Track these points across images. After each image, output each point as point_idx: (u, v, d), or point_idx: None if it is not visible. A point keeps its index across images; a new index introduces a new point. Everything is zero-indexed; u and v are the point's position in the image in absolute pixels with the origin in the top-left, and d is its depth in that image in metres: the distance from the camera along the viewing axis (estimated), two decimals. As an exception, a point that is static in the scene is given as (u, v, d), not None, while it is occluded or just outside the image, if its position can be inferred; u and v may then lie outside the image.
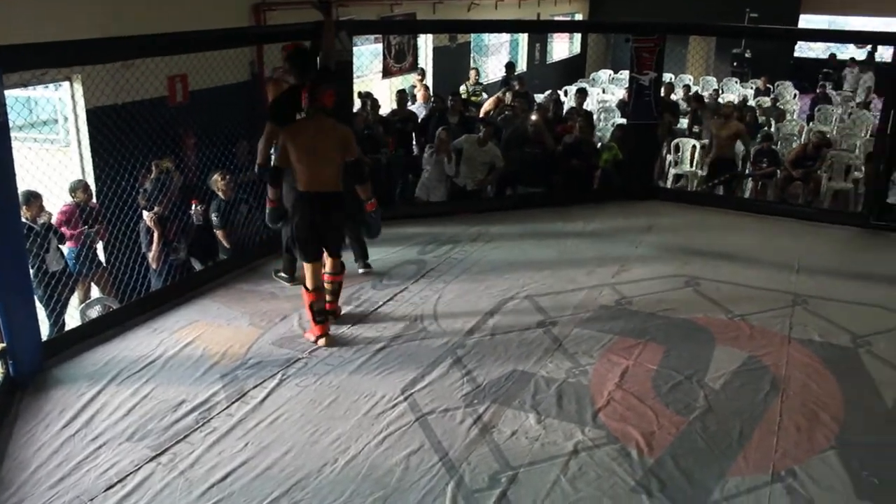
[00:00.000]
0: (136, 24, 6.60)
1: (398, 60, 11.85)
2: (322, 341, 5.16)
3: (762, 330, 5.48)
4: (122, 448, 4.03)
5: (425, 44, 13.68)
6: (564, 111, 11.02)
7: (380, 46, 11.80)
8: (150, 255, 6.14)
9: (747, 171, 10.30)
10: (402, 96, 10.18)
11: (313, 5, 5.89)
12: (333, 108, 5.18)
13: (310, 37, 6.72)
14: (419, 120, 9.91)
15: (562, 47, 20.36)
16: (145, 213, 6.18)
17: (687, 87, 14.98)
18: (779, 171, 10.10)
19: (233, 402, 4.45)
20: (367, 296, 5.93)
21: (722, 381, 4.78)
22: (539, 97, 13.07)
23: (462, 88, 12.20)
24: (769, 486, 3.85)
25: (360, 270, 6.28)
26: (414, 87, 12.25)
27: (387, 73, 12.01)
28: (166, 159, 6.79)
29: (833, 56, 19.36)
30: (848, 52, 19.59)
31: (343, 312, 5.61)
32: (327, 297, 5.36)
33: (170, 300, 5.76)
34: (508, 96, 10.55)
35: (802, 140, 11.35)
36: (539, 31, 14.83)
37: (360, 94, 9.16)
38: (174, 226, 6.29)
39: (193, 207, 6.56)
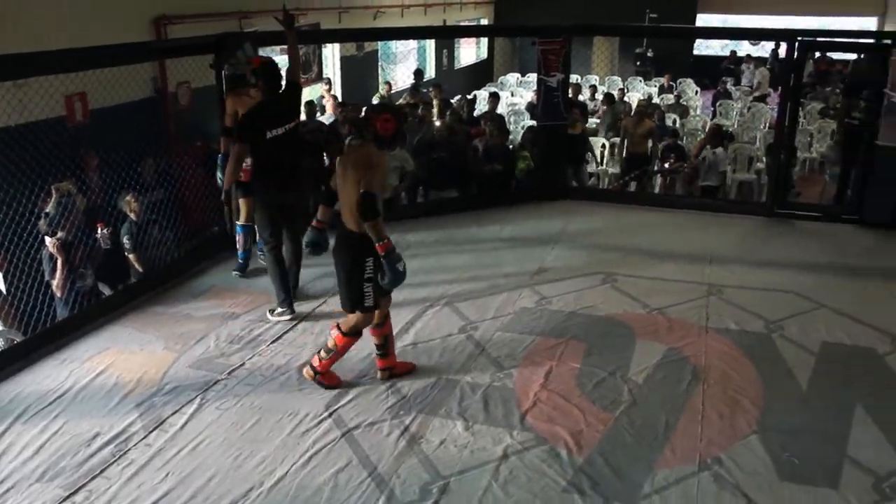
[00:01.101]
0: (33, 40, 6.32)
1: (304, 71, 11.69)
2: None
3: (680, 322, 5.57)
4: (31, 490, 3.81)
5: (332, 54, 13.57)
6: (476, 115, 11.06)
7: (285, 58, 11.60)
8: (54, 283, 5.86)
9: (656, 168, 10.51)
10: (311, 107, 10.01)
11: (277, 20, 5.81)
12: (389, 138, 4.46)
13: (213, 50, 6.60)
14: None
15: (469, 53, 20.51)
16: (47, 239, 5.90)
17: (594, 88, 15.25)
18: (685, 166, 10.34)
19: (150, 432, 4.28)
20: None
21: (644, 375, 4.84)
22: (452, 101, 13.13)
23: (375, 99, 12.15)
24: (696, 475, 3.90)
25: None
26: (322, 97, 12.13)
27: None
28: (66, 182, 6.50)
29: (733, 53, 20.01)
30: (744, 49, 20.28)
31: (261, 329, 5.49)
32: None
33: (79, 328, 5.51)
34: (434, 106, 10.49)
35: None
36: (445, 36, 14.90)
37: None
38: (79, 251, 6.02)
39: (100, 231, 6.30)
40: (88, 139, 7.30)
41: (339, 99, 12.07)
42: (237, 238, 6.44)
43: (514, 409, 4.46)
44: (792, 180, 9.90)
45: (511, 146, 9.44)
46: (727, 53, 20.45)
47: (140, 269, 6.46)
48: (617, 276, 6.38)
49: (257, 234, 6.10)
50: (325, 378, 4.71)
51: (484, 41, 21.23)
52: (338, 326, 4.66)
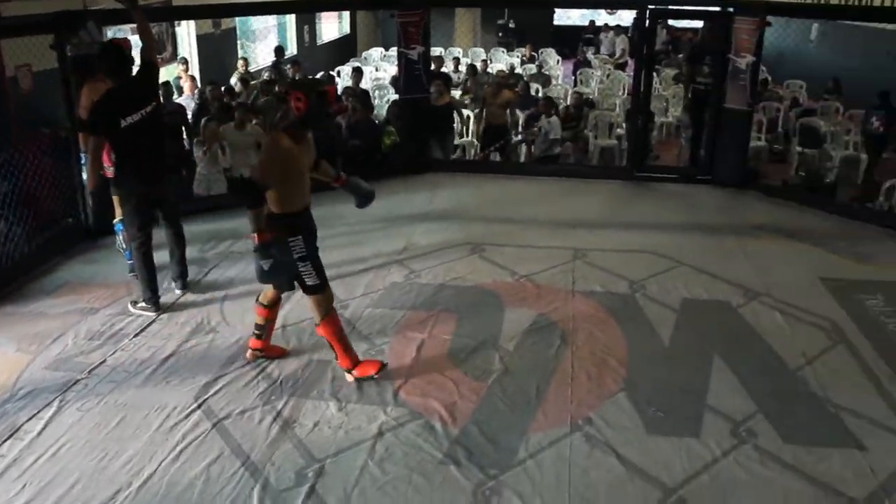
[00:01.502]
0: None
1: (158, 51, 11.15)
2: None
3: (548, 287, 5.68)
4: None
5: (187, 32, 13.04)
6: (339, 91, 10.87)
7: (136, 38, 11.06)
8: None
9: (521, 136, 10.65)
10: (167, 89, 9.62)
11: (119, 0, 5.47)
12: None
13: (52, 29, 6.19)
14: (189, 112, 9.43)
15: (331, 28, 20.15)
16: None
17: (457, 60, 15.29)
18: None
19: (4, 441, 4.00)
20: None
21: (515, 342, 4.91)
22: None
23: (234, 78, 11.75)
24: (569, 436, 4.00)
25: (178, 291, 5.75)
26: (179, 78, 11.64)
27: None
28: None
29: (592, 22, 20.47)
30: (603, 18, 20.79)
31: (123, 323, 5.24)
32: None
33: (-83, 335, 5.10)
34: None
35: (567, 102, 11.88)
36: (304, 10, 14.52)
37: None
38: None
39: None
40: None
41: (198, 79, 11.63)
42: (118, 238, 6.01)
43: (387, 385, 4.43)
44: (650, 145, 10.28)
45: (377, 121, 9.36)
46: (587, 23, 20.91)
47: (-16, 267, 6.03)
48: (485, 245, 6.44)
49: (126, 229, 5.63)
50: (362, 370, 4.48)
51: (346, 16, 20.91)
52: (314, 323, 4.51)
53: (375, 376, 4.46)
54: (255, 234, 4.16)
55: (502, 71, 12.44)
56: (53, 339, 5.05)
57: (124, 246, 5.88)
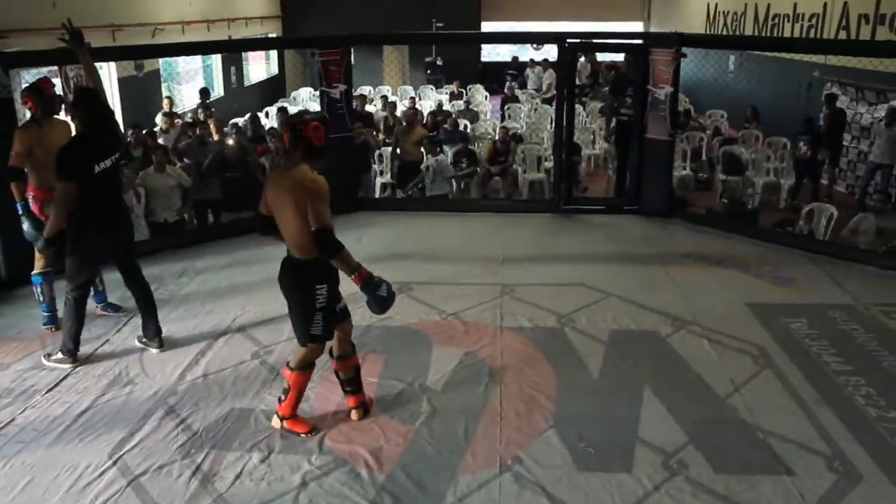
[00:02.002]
0: None
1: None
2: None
3: (475, 325, 5.62)
4: None
5: (108, 75, 12.77)
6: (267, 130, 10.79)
7: (57, 81, 10.79)
8: None
9: (449, 174, 10.64)
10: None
11: (63, 40, 5.33)
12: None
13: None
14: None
15: (259, 69, 20.04)
16: None
17: (385, 98, 15.31)
18: (478, 170, 10.56)
19: None
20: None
21: (443, 382, 4.82)
22: (240, 120, 12.75)
23: (158, 118, 11.53)
24: (498, 477, 3.91)
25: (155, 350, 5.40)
26: (99, 122, 11.37)
27: (66, 109, 11.00)
28: None
29: (515, 58, 20.77)
30: (529, 54, 21.12)
31: (35, 378, 4.98)
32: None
33: None
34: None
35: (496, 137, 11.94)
36: (224, 50, 14.34)
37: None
38: None
39: None
40: None
41: (121, 124, 11.36)
42: (36, 290, 5.68)
43: (311, 432, 4.29)
44: (578, 176, 10.37)
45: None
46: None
47: None
48: (412, 284, 6.35)
49: (66, 276, 5.15)
50: (293, 424, 4.31)
51: (274, 57, 20.83)
52: (287, 364, 4.31)
53: (302, 435, 4.29)
54: (356, 275, 4.04)
55: (410, 109, 12.46)
56: (-50, 396, 4.76)
57: (42, 298, 5.61)
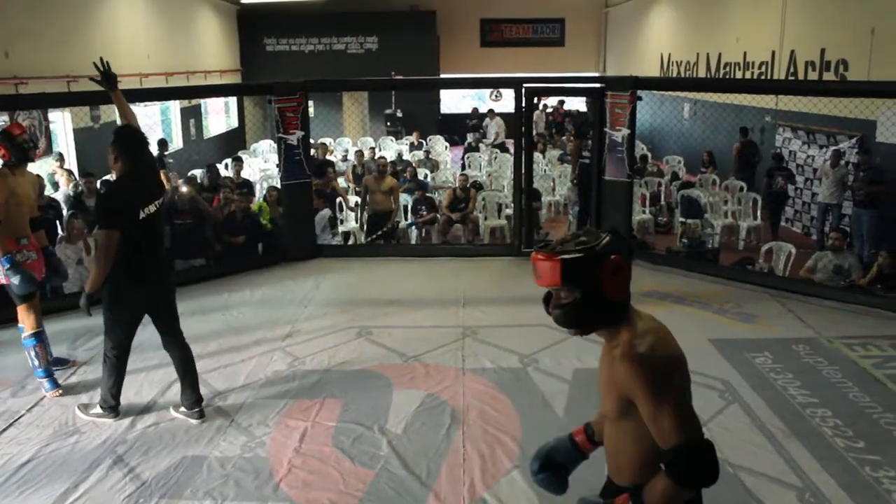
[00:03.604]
0: None
1: (37, 146, 10.72)
2: None
3: (437, 367, 5.49)
4: None
5: (63, 126, 12.61)
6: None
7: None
8: None
9: (409, 221, 10.62)
10: (40, 181, 9.17)
11: (95, 81, 5.04)
12: None
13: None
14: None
15: (218, 121, 19.97)
16: None
17: (346, 151, 15.33)
18: (438, 217, 10.54)
19: None
20: (6, 406, 5.07)
21: (403, 425, 4.67)
22: (198, 172, 12.65)
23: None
24: (462, 520, 3.76)
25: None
26: (54, 173, 11.18)
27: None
28: None
29: (475, 109, 20.97)
30: (488, 105, 21.36)
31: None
32: None
33: None
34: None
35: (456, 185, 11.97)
36: (179, 96, 14.07)
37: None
38: None
39: None
40: None
41: (75, 173, 11.18)
42: (29, 354, 5.27)
43: (267, 479, 4.11)
44: (539, 221, 10.39)
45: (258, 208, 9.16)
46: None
47: None
48: (372, 328, 6.22)
49: (105, 334, 4.75)
50: None
51: (234, 110, 20.80)
52: None
53: None
54: None
55: (383, 158, 12.47)
56: None
57: (37, 363, 5.22)
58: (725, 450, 4.32)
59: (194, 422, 4.79)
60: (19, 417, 4.91)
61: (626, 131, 7.86)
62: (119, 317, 4.64)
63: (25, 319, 5.25)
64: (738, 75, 13.92)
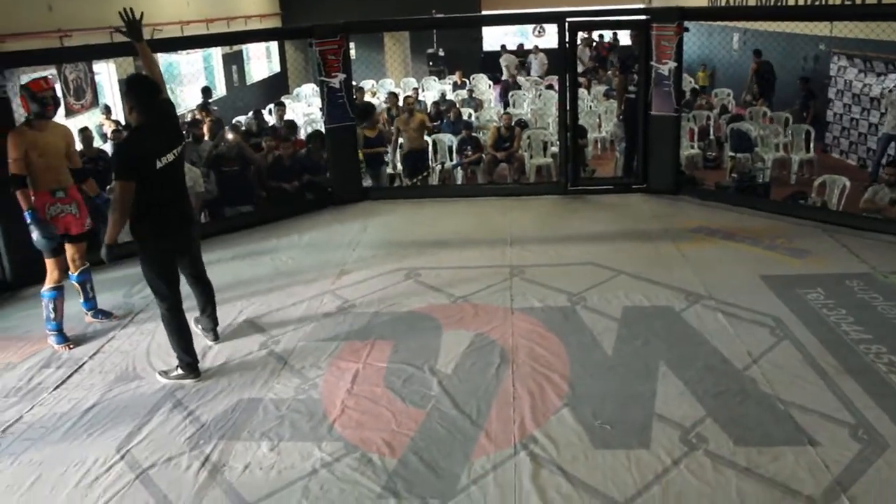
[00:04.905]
0: None
1: (77, 98, 10.88)
2: None
3: (485, 307, 5.51)
4: None
5: (108, 78, 12.74)
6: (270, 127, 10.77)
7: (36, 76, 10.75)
8: None
9: (454, 161, 10.59)
10: (87, 134, 9.31)
11: (122, 32, 5.01)
12: None
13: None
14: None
15: (260, 67, 19.99)
16: None
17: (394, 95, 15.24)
18: (484, 156, 10.49)
19: None
20: (70, 354, 5.26)
21: (453, 365, 4.71)
22: (242, 118, 12.73)
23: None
24: (513, 457, 3.81)
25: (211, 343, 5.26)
26: (101, 125, 11.34)
27: (68, 111, 10.99)
28: None
29: (520, 46, 20.65)
30: (531, 41, 21.02)
31: (42, 377, 4.95)
32: None
33: None
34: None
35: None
36: (220, 43, 14.01)
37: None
38: None
39: None
40: None
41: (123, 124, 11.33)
42: (47, 306, 5.36)
43: (321, 419, 4.20)
44: (585, 159, 10.28)
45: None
46: (515, 47, 21.10)
47: None
48: (420, 270, 6.26)
49: (150, 288, 4.82)
50: None
51: (275, 54, 20.78)
52: None
53: None
54: None
55: (409, 96, 12.40)
56: (-43, 403, 4.71)
57: (52, 315, 5.36)
58: (776, 386, 4.31)
59: (210, 343, 5.20)
60: (82, 364, 5.08)
61: (672, 64, 7.68)
62: (154, 268, 4.69)
63: (50, 272, 5.37)
64: (791, 2, 13.45)
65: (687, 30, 7.66)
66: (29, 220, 5.20)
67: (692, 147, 11.19)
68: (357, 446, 3.95)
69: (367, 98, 13.45)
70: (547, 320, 5.26)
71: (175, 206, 4.72)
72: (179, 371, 4.80)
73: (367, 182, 9.04)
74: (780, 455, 3.72)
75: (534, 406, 4.23)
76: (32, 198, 5.23)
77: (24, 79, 6.07)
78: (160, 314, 4.83)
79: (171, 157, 4.57)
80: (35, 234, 5.21)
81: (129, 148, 4.58)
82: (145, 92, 4.55)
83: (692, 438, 3.88)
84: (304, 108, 14.99)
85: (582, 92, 13.09)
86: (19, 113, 6.01)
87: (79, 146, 8.92)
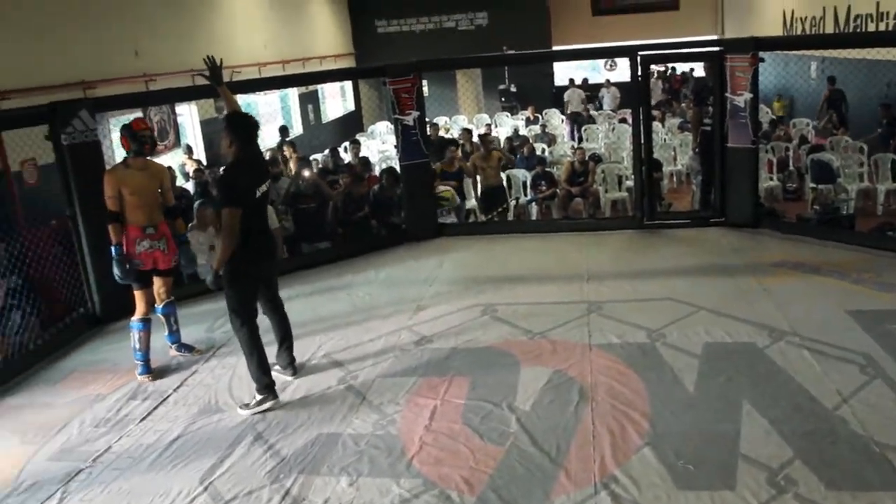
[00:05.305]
0: None
1: (161, 138, 11.29)
2: None
3: (563, 343, 5.47)
4: None
5: (190, 119, 13.17)
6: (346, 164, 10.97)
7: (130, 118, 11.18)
8: None
9: (529, 197, 10.59)
10: (170, 174, 9.66)
11: (203, 76, 5.35)
12: None
13: (45, 120, 6.23)
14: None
15: (335, 106, 20.39)
16: None
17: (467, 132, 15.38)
18: (558, 191, 10.47)
19: (3, 538, 3.82)
20: (155, 386, 5.43)
21: (532, 402, 4.68)
22: (318, 156, 13.01)
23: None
24: (594, 497, 3.75)
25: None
26: (184, 164, 11.72)
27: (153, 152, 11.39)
28: None
29: (585, 80, 20.64)
30: (603, 75, 21.00)
31: (129, 408, 5.13)
32: None
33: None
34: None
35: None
36: (298, 83, 14.40)
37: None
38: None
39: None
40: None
41: (204, 164, 11.70)
42: (133, 336, 5.55)
43: (399, 456, 4.22)
44: (661, 192, 10.16)
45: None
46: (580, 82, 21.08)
47: (-1, 357, 5.91)
48: (497, 305, 6.26)
49: (232, 312, 4.98)
50: None
51: (350, 94, 21.18)
52: None
53: None
54: None
55: (487, 134, 12.47)
56: (58, 428, 4.92)
57: (138, 346, 5.55)
58: (870, 427, 4.14)
59: (289, 378, 5.26)
60: (167, 397, 5.23)
61: (748, 95, 7.57)
62: (242, 292, 4.94)
63: (138, 305, 5.59)
64: (871, 28, 13.12)
65: (762, 60, 7.54)
66: (114, 255, 5.46)
67: (771, 179, 10.97)
68: (435, 483, 3.95)
69: (442, 134, 13.62)
70: (626, 357, 5.19)
71: (266, 235, 5.05)
72: (258, 398, 4.93)
73: (451, 218, 9.13)
74: (877, 501, 3.57)
75: (614, 444, 4.17)
76: (122, 234, 5.48)
77: (113, 122, 6.37)
78: (238, 338, 5.00)
79: (264, 187, 4.94)
80: (117, 270, 5.49)
81: (237, 177, 4.82)
82: (246, 129, 4.86)
83: (780, 481, 3.76)
84: (379, 146, 15.23)
85: (656, 125, 12.98)
86: (108, 154, 6.29)
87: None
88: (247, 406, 4.94)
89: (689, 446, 4.09)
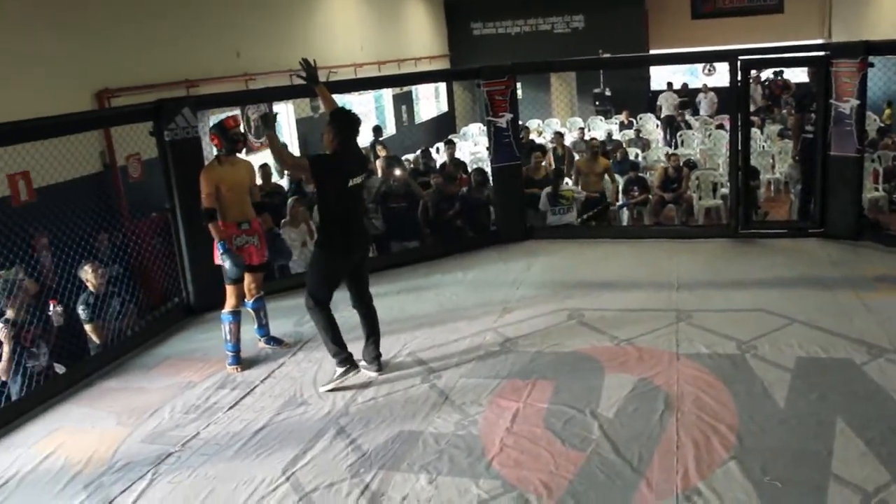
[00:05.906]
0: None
1: (258, 136, 11.61)
2: None
3: (650, 351, 5.39)
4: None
5: (287, 117, 13.50)
6: (439, 165, 11.05)
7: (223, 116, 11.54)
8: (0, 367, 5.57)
9: (621, 202, 10.47)
10: (267, 170, 9.94)
11: (300, 77, 5.57)
12: None
13: (150, 117, 6.50)
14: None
15: (429, 107, 20.57)
16: (-6, 325, 5.59)
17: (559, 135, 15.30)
18: (651, 197, 10.32)
19: (97, 513, 3.99)
20: (243, 377, 5.60)
21: (615, 409, 4.63)
22: (410, 156, 13.15)
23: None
24: (676, 509, 3.69)
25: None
26: (280, 161, 12.02)
27: (248, 149, 11.74)
28: (14, 269, 6.21)
29: (685, 85, 20.21)
30: (701, 80, 20.55)
31: (219, 397, 5.31)
32: None
33: (28, 411, 5.28)
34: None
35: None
36: (393, 84, 14.67)
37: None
38: (30, 332, 5.74)
39: (52, 308, 6.00)
40: (36, 219, 7.05)
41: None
42: (224, 328, 5.74)
43: (479, 456, 4.23)
44: (757, 201, 9.90)
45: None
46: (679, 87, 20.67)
47: (98, 341, 6.20)
48: (583, 310, 6.21)
49: (308, 293, 5.24)
50: None
51: (443, 95, 21.33)
52: None
53: None
54: None
55: (595, 138, 12.32)
56: (151, 412, 5.13)
57: (228, 337, 5.73)
58: None
59: (373, 373, 5.34)
60: (254, 387, 5.39)
61: (854, 102, 7.29)
62: (323, 273, 5.21)
63: (229, 298, 5.75)
64: None
65: (872, 65, 7.25)
66: (222, 251, 5.59)
67: (876, 189, 10.55)
68: (514, 486, 3.94)
69: (533, 137, 13.56)
70: (714, 368, 5.07)
71: (358, 224, 5.25)
72: (339, 371, 5.18)
73: (569, 218, 9.17)
74: (977, 528, 3.41)
75: (698, 457, 4.08)
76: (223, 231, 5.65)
77: (213, 119, 6.60)
78: (311, 316, 5.28)
79: (359, 179, 5.21)
80: (227, 264, 5.61)
81: (325, 159, 5.15)
82: (348, 124, 5.13)
83: (875, 504, 3.62)
84: (471, 147, 15.29)
85: (754, 132, 12.64)
86: (207, 150, 6.52)
87: (259, 181, 9.54)
88: (327, 384, 5.17)
89: (778, 463, 3.97)
